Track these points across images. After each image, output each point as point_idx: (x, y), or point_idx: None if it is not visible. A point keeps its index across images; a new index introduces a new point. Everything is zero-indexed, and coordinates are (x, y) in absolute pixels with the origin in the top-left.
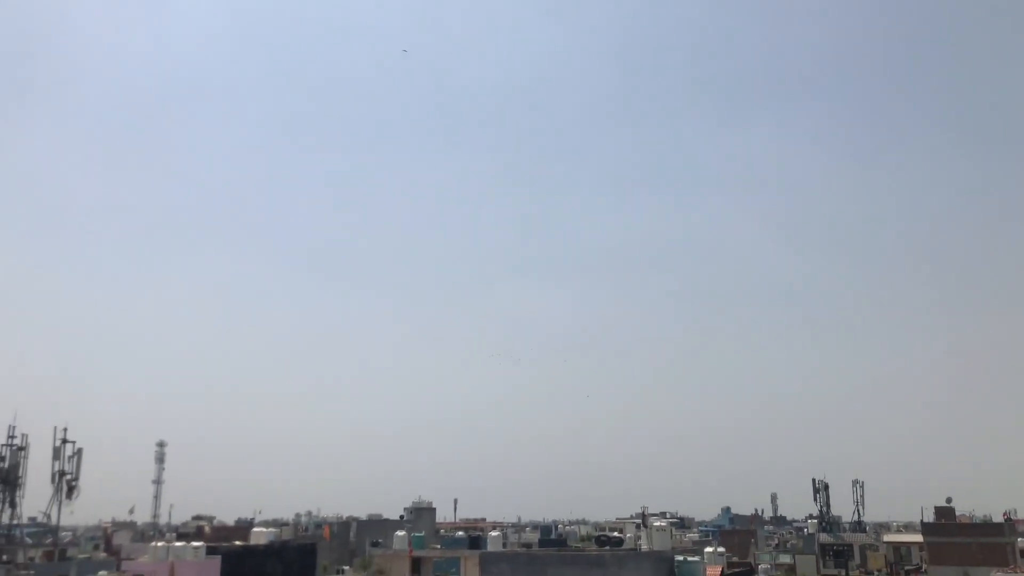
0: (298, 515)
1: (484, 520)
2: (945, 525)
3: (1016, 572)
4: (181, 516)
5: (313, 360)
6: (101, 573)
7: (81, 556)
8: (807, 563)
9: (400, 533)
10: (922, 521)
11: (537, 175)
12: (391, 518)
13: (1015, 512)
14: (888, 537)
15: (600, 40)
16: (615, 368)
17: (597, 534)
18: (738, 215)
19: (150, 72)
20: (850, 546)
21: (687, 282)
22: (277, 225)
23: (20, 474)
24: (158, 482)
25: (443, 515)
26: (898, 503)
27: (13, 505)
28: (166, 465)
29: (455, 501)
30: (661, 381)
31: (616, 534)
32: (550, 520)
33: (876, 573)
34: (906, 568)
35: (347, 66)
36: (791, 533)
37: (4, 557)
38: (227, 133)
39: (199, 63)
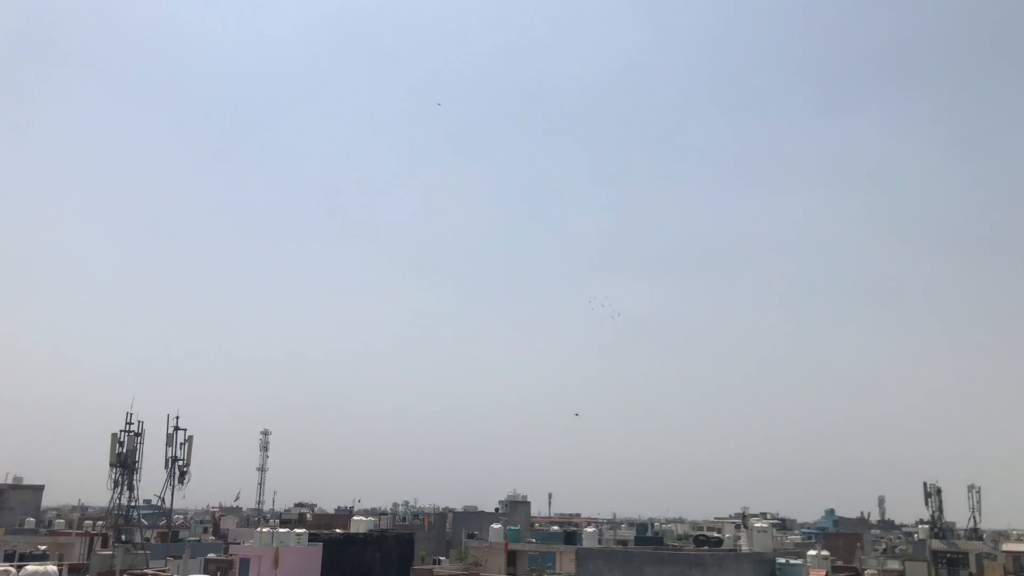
0: (396, 505)
1: (579, 516)
2: None
3: None
4: (284, 503)
5: (411, 353)
6: (210, 555)
7: (192, 538)
8: (917, 570)
9: (496, 526)
10: None
11: (633, 169)
12: (486, 510)
13: None
14: (1007, 546)
15: (695, 30)
16: (715, 364)
17: (695, 533)
18: (842, 209)
19: (250, 75)
20: (965, 554)
21: (791, 278)
22: (375, 223)
23: (137, 459)
24: (262, 469)
25: (537, 509)
26: (1018, 511)
27: (131, 488)
28: (270, 453)
29: (549, 496)
30: (764, 378)
31: (715, 534)
32: (646, 518)
33: None
34: None
35: (440, 66)
36: (900, 538)
37: (123, 536)
38: (326, 134)
39: (297, 66)
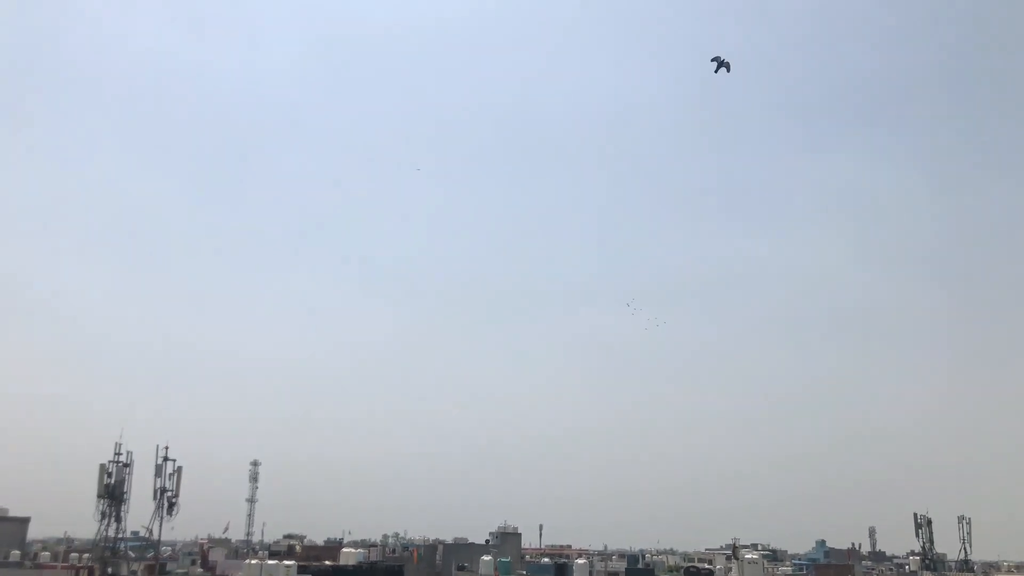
0: (386, 536)
1: (569, 547)
2: None
3: None
4: (273, 535)
5: (402, 383)
6: None
7: (179, 571)
8: None
9: (486, 558)
10: None
11: (619, 202)
12: (477, 542)
13: None
14: None
15: (680, 67)
16: (706, 394)
17: (686, 565)
18: (826, 241)
19: (242, 103)
20: None
21: (779, 308)
22: (365, 251)
23: (125, 490)
24: (252, 500)
25: (528, 541)
26: (1009, 542)
27: (119, 519)
28: (260, 484)
29: (540, 527)
30: (755, 408)
31: (706, 565)
32: (637, 549)
33: None
34: None
35: (431, 96)
36: (891, 570)
37: (109, 569)
38: (317, 161)
39: (289, 94)
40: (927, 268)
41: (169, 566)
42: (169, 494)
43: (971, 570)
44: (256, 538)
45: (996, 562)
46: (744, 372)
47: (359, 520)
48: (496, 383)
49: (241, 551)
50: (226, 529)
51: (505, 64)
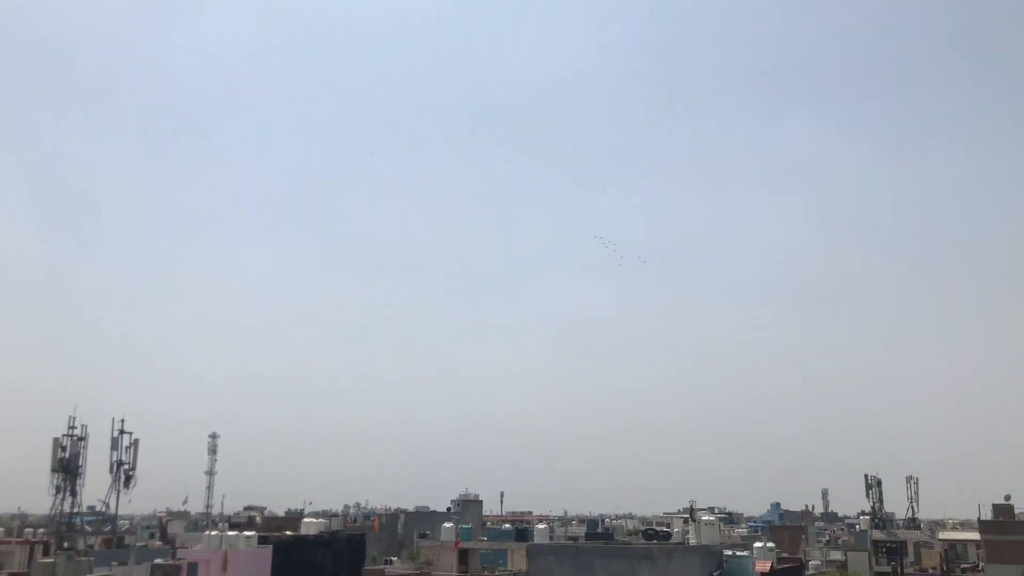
0: (347, 506)
1: (530, 513)
2: (1004, 523)
3: None
4: (233, 507)
5: (361, 354)
6: (157, 560)
7: (138, 544)
8: (859, 560)
9: (447, 525)
10: (979, 519)
11: (574, 172)
12: (438, 510)
13: None
14: (943, 535)
15: (633, 36)
16: (664, 365)
17: (644, 528)
18: (780, 210)
19: (196, 77)
20: (904, 543)
21: (736, 278)
22: (324, 223)
23: (80, 464)
24: (211, 473)
25: (490, 508)
26: (954, 500)
27: (74, 494)
28: (219, 456)
29: (501, 494)
30: (711, 376)
31: (664, 528)
32: (597, 514)
33: (931, 571)
34: (962, 566)
35: (387, 70)
36: (842, 529)
37: (65, 544)
38: (270, 135)
39: (244, 68)
40: (879, 235)
41: (127, 540)
42: (126, 467)
43: (918, 527)
44: (216, 510)
45: (942, 520)
46: (700, 339)
47: (321, 491)
48: (457, 354)
49: (200, 523)
50: (185, 502)
51: (464, 39)
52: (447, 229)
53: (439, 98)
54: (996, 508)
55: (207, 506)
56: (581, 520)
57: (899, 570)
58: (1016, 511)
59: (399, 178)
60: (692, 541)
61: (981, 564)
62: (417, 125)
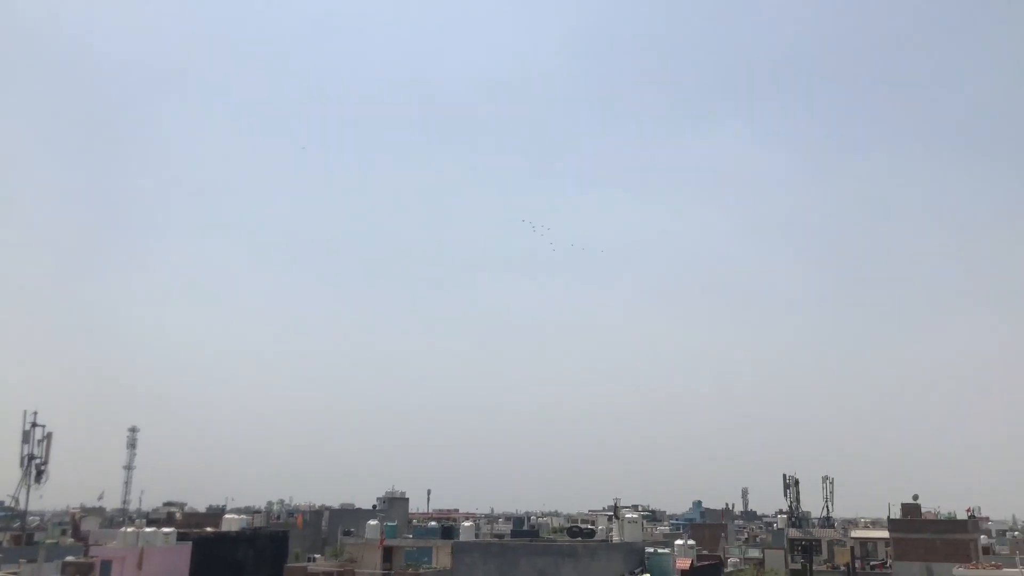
0: (270, 503)
1: (457, 511)
2: (911, 521)
3: (977, 568)
4: (152, 503)
5: (286, 347)
6: (68, 558)
7: (48, 541)
8: (775, 557)
9: (372, 522)
10: (889, 517)
11: (513, 170)
12: (364, 508)
13: (978, 510)
14: (855, 533)
15: (571, 39)
16: (590, 363)
17: (569, 525)
18: (707, 212)
19: (130, 66)
20: (818, 541)
21: (664, 277)
22: (253, 218)
23: None
24: (129, 468)
25: (416, 506)
26: (868, 500)
27: None
28: (138, 451)
29: (428, 492)
30: (636, 375)
31: (588, 526)
32: (523, 512)
33: (842, 568)
34: (871, 563)
35: (323, 64)
36: (761, 528)
37: None
38: (204, 127)
39: (176, 57)
40: (799, 239)
41: (37, 536)
42: (38, 461)
43: (832, 526)
44: (133, 506)
45: (855, 519)
46: (624, 337)
47: (244, 488)
48: (386, 348)
49: (116, 520)
50: (100, 497)
51: (399, 37)
52: (383, 226)
53: (378, 92)
54: (904, 507)
55: (124, 502)
56: (507, 518)
57: (809, 568)
58: (923, 510)
59: (331, 174)
60: (616, 538)
61: (889, 561)
62: (352, 121)
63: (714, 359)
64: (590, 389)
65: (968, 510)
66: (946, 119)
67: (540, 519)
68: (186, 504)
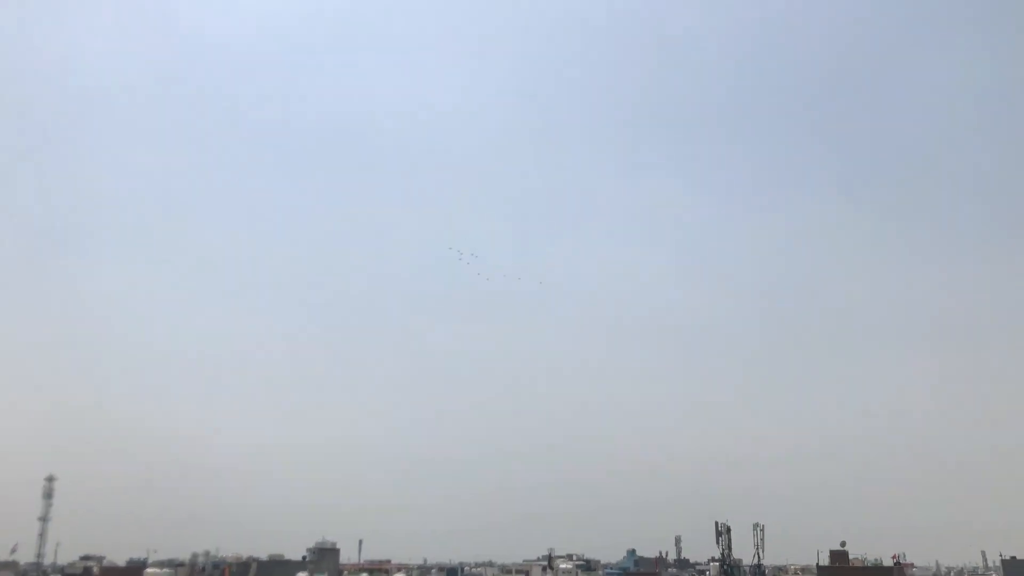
0: (195, 555)
1: (389, 562)
2: (839, 568)
3: None
4: (68, 556)
5: (209, 391)
6: None
7: None
8: None
9: (302, 574)
10: (818, 564)
11: (445, 211)
12: (293, 559)
13: (903, 556)
14: None
15: (514, 81)
16: (522, 408)
17: None
18: (644, 254)
19: (56, 85)
20: None
21: (601, 319)
22: (181, 249)
23: None
24: (45, 519)
25: (347, 556)
26: (797, 547)
27: None
28: (54, 501)
29: (360, 542)
30: (570, 422)
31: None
32: (456, 562)
33: None
34: None
35: (260, 95)
36: (693, 575)
37: None
38: (118, 147)
39: (93, 77)
40: (732, 281)
41: None
42: None
43: (763, 573)
44: (48, 560)
45: (785, 565)
46: (561, 384)
47: (166, 538)
48: (316, 391)
49: (30, 575)
50: (13, 551)
51: (335, 70)
52: (305, 257)
53: (308, 127)
54: (833, 554)
55: (39, 556)
56: (441, 568)
57: None
58: (851, 556)
59: (264, 202)
60: None
61: None
62: (287, 152)
63: (647, 401)
64: (523, 435)
65: (894, 556)
66: (864, 167)
67: (474, 570)
68: (104, 557)
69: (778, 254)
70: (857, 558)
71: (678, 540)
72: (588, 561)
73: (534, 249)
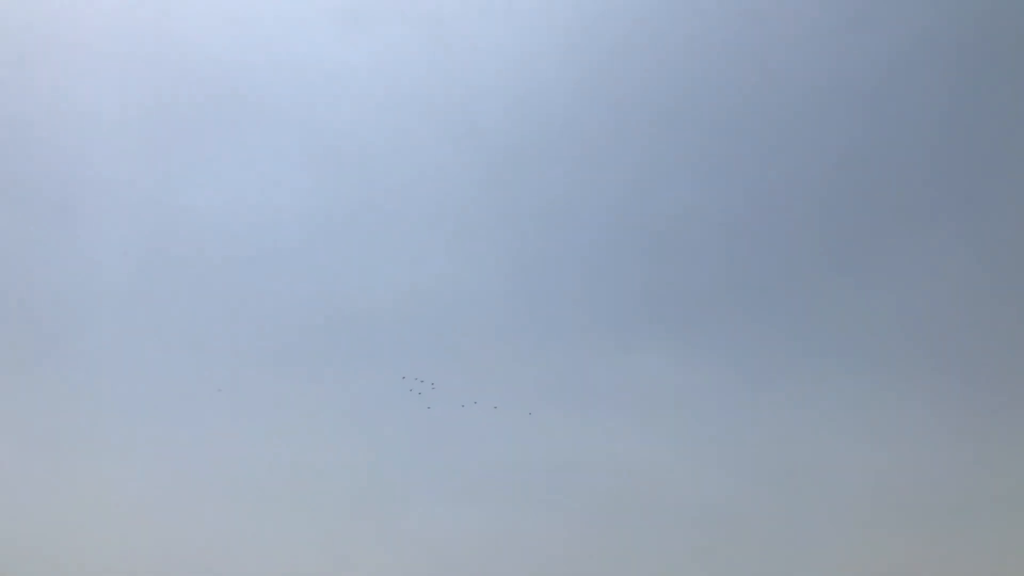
0: None
1: None
2: None
3: None
4: None
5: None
6: None
7: None
8: None
9: None
10: None
11: (438, 387)
12: None
13: None
14: None
15: (501, 254)
16: None
17: None
18: (643, 433)
19: None
20: None
21: (600, 501)
22: None
23: None
24: None
25: None
26: None
27: None
28: None
29: None
30: None
31: None
32: None
33: None
34: None
35: None
36: None
37: None
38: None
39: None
40: (733, 460)
41: None
42: None
43: None
44: None
45: None
46: (546, 571)
47: None
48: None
49: None
50: None
51: None
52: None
53: None
54: None
55: None
56: None
57: None
58: None
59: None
60: None
61: None
62: None
63: None
64: None
65: None
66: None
67: None
68: None
69: (779, 427)
70: None
71: None
72: None
73: (539, 433)
